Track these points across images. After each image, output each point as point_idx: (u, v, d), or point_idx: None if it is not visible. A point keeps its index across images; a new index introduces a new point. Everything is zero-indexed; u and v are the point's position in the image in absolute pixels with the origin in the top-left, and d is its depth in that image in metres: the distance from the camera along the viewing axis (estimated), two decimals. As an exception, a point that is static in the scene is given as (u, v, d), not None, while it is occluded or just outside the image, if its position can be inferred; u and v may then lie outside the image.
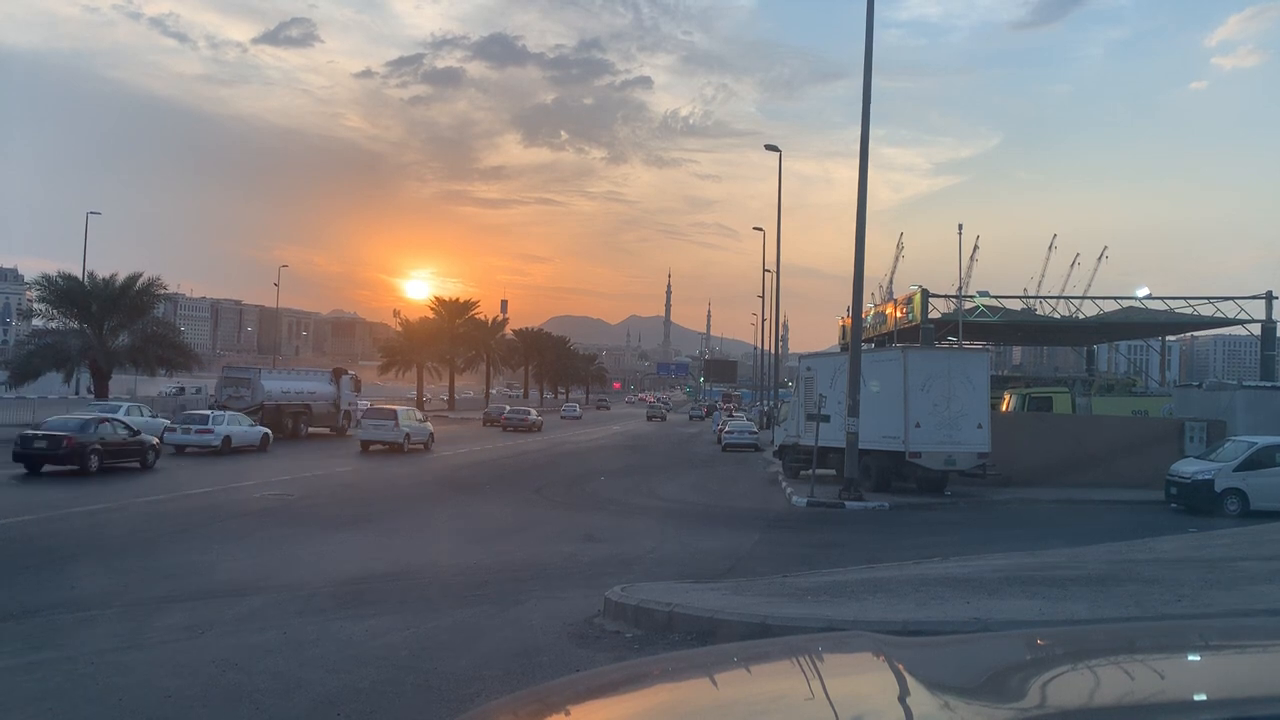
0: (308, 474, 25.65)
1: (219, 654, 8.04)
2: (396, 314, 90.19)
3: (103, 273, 44.23)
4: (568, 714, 2.01)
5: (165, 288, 47.52)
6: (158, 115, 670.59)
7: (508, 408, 62.22)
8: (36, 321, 45.58)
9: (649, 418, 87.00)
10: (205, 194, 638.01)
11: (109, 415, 26.78)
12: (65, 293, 41.91)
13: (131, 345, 42.67)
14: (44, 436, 23.32)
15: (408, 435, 35.42)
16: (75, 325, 42.25)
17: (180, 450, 30.18)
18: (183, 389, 48.78)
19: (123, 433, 24.99)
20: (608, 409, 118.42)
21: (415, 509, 20.04)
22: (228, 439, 31.09)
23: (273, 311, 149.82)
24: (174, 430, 30.99)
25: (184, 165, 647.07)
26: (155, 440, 26.64)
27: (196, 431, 30.67)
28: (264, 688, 7.11)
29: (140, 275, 43.42)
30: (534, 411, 58.24)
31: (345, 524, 17.45)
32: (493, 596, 10.93)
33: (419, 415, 39.52)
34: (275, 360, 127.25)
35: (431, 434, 38.04)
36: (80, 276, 44.04)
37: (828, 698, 1.92)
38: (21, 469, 22.98)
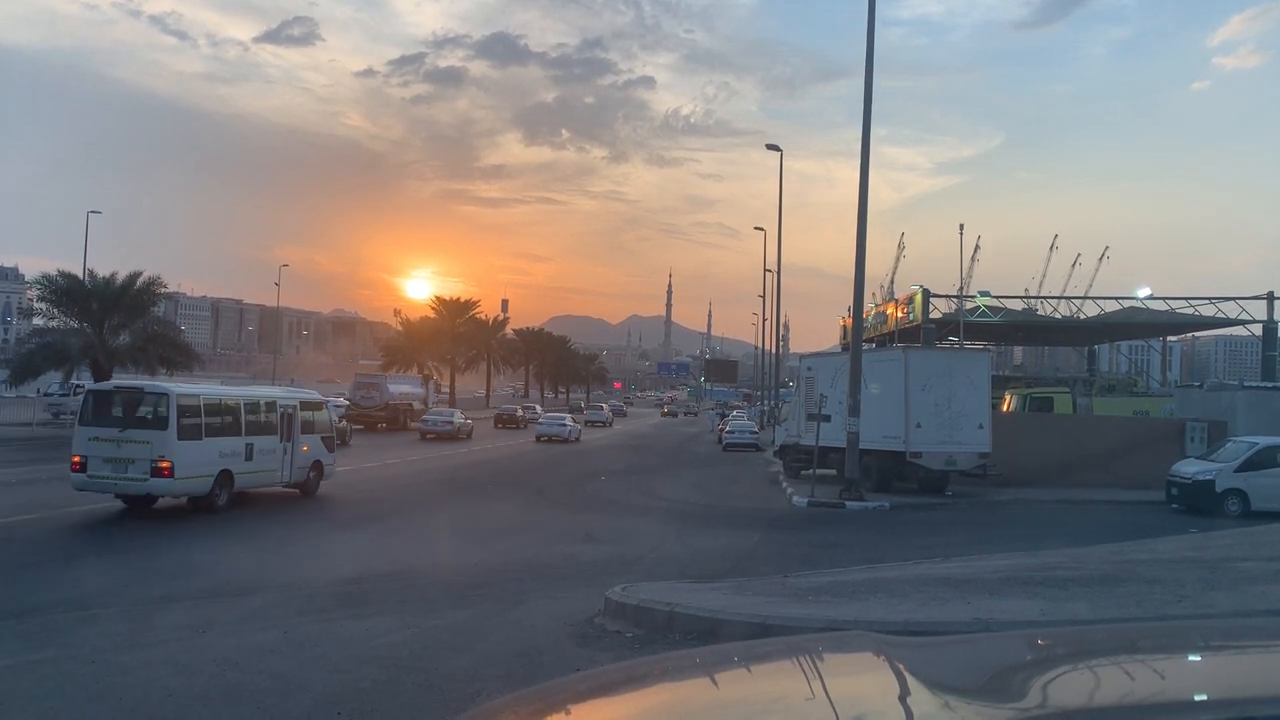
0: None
1: (220, 653, 8.04)
2: (397, 313, 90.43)
3: (103, 271, 44.21)
4: (569, 713, 2.01)
5: (166, 287, 47.50)
6: (158, 114, 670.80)
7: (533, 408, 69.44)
8: (37, 320, 45.57)
9: (685, 414, 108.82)
10: (206, 193, 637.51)
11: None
12: (65, 291, 41.88)
13: (132, 344, 42.62)
14: None
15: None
16: (75, 324, 42.23)
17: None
18: (81, 386, 45.97)
19: None
20: (630, 404, 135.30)
21: (417, 508, 20.04)
22: (461, 427, 44.95)
23: (274, 310, 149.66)
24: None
25: (184, 164, 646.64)
26: None
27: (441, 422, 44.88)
28: (264, 687, 7.11)
29: (141, 274, 43.37)
30: (570, 419, 53.25)
31: (345, 523, 17.47)
32: (494, 596, 10.93)
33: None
34: (277, 360, 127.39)
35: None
36: (81, 275, 43.92)
37: (828, 697, 1.92)
38: None
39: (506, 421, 58.82)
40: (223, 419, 17.93)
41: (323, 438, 21.14)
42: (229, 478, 17.49)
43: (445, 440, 42.39)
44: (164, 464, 16.02)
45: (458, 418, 45.65)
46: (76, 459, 16.44)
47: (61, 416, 41.09)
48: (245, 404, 18.77)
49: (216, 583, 11.47)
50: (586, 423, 62.34)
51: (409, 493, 22.88)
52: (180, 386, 18.41)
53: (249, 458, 18.13)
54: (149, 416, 16.85)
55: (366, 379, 53.77)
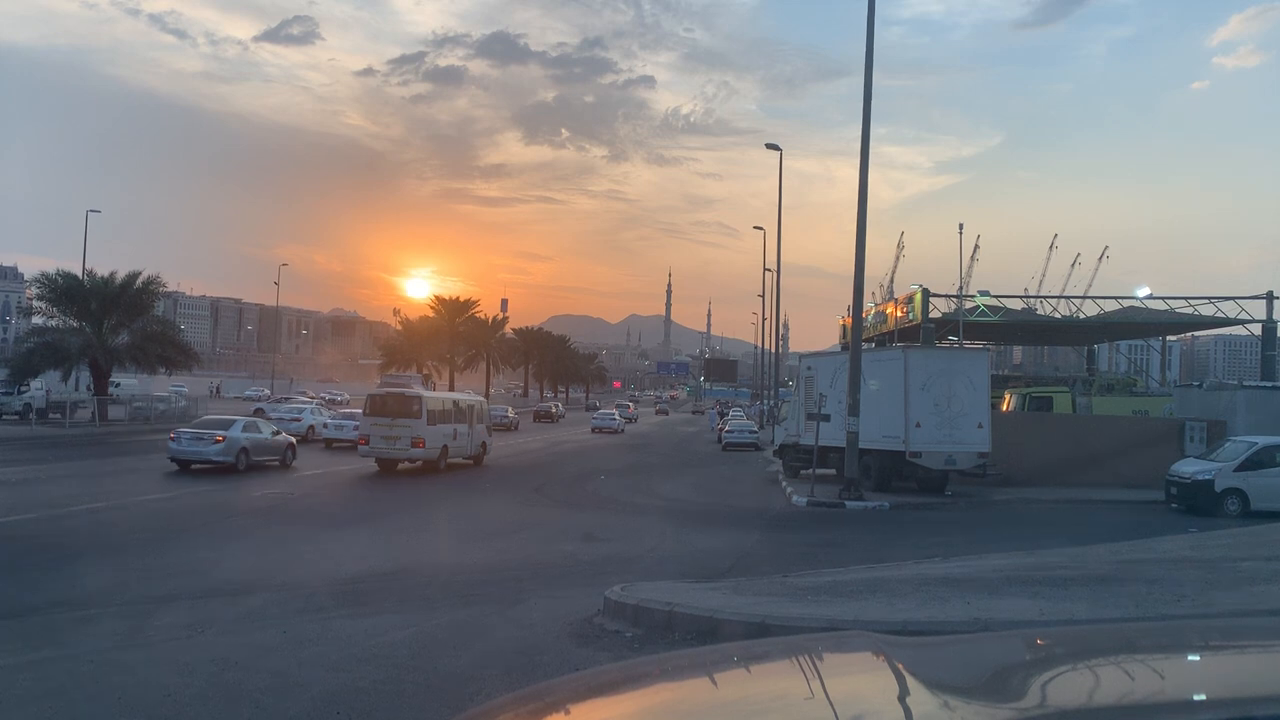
0: (316, 471, 25.90)
1: (219, 652, 8.04)
2: (397, 313, 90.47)
3: (102, 271, 44.26)
4: (568, 713, 2.01)
5: (165, 286, 47.52)
6: (157, 112, 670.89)
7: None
8: (36, 319, 45.50)
9: (694, 412, 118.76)
10: (205, 192, 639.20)
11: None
12: (65, 291, 41.91)
13: (131, 344, 42.67)
14: None
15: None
16: (75, 323, 42.25)
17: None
18: (27, 387, 43.79)
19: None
20: (637, 403, 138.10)
21: (416, 507, 20.03)
22: (513, 420, 55.35)
23: (273, 310, 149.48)
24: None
25: (183, 163, 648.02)
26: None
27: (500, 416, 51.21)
28: (264, 686, 7.11)
29: (140, 273, 43.46)
30: (618, 414, 68.66)
31: (345, 522, 17.45)
32: (493, 595, 10.93)
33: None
34: (276, 359, 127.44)
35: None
36: (80, 274, 43.98)
37: (828, 697, 1.91)
38: None
39: (543, 416, 72.62)
40: (444, 411, 27.54)
41: (487, 426, 31.64)
42: (447, 450, 27.17)
43: (500, 430, 49.87)
44: (419, 440, 25.75)
45: (510, 413, 55.43)
46: (364, 437, 26.47)
47: (4, 416, 40.96)
48: (454, 403, 29.01)
49: (216, 581, 11.45)
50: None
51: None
52: (427, 393, 28.32)
53: (455, 438, 27.87)
54: (410, 410, 25.99)
55: (397, 379, 59.12)
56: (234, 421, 25.75)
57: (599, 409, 77.25)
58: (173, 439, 24.58)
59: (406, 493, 22.37)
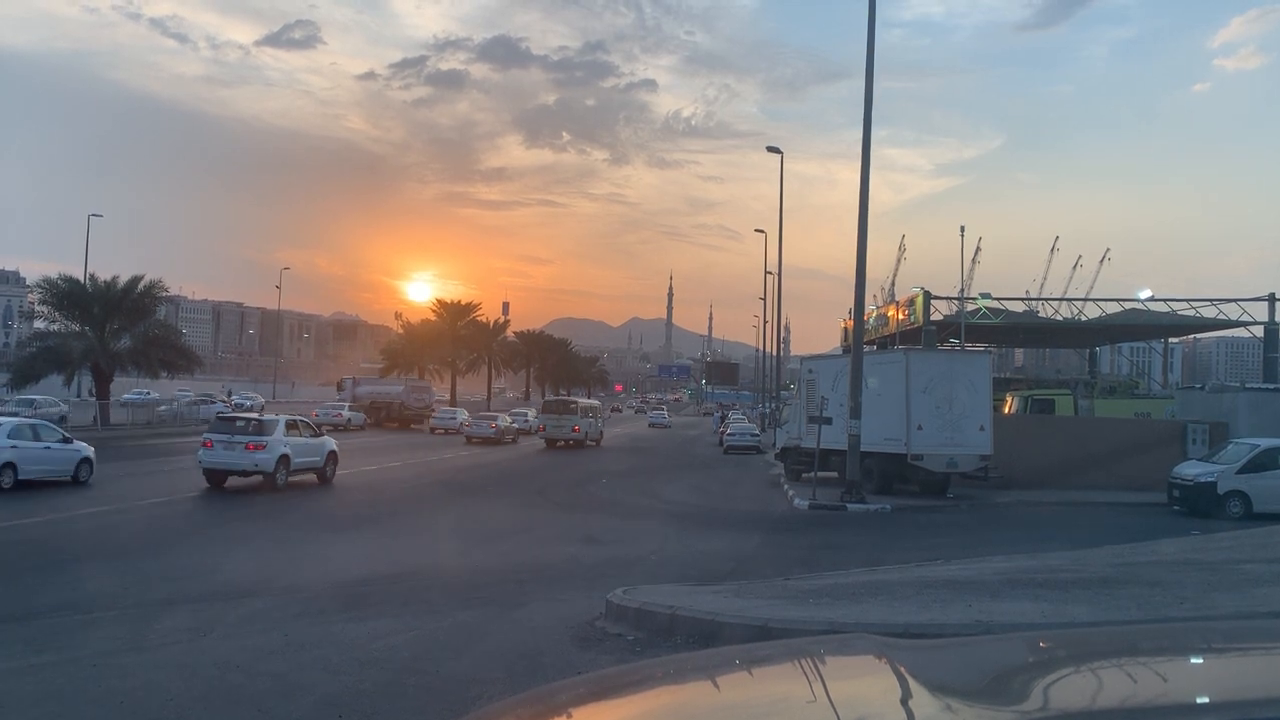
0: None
1: (221, 656, 8.05)
2: (398, 316, 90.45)
3: (105, 275, 44.28)
4: (570, 716, 2.01)
5: (167, 290, 47.47)
6: (158, 116, 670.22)
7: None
8: (38, 324, 45.56)
9: (703, 414, 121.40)
10: (206, 195, 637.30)
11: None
12: (67, 295, 41.92)
13: (133, 348, 42.69)
14: None
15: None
16: (77, 328, 42.27)
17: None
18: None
19: None
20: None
21: (417, 510, 20.04)
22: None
23: (274, 314, 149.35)
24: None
25: (185, 167, 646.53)
26: None
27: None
28: (266, 689, 7.12)
29: (142, 278, 43.45)
30: (666, 412, 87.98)
31: (346, 525, 17.47)
32: (495, 598, 10.94)
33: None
34: (278, 363, 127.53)
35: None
36: (82, 279, 44.02)
37: (829, 700, 1.92)
38: None
39: None
40: (585, 409, 45.67)
41: (601, 420, 49.35)
42: (586, 435, 43.82)
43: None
44: (576, 428, 43.01)
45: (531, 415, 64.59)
46: (542, 426, 44.72)
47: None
48: (588, 405, 47.97)
49: (218, 585, 11.46)
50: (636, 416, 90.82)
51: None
52: (580, 399, 51.09)
53: (589, 427, 44.52)
54: (571, 409, 44.50)
55: (417, 384, 66.74)
56: (498, 415, 48.55)
57: (649, 410, 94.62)
58: (467, 425, 46.32)
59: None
